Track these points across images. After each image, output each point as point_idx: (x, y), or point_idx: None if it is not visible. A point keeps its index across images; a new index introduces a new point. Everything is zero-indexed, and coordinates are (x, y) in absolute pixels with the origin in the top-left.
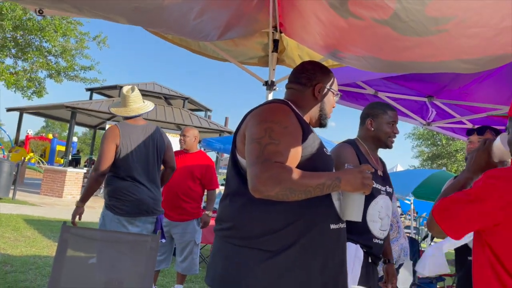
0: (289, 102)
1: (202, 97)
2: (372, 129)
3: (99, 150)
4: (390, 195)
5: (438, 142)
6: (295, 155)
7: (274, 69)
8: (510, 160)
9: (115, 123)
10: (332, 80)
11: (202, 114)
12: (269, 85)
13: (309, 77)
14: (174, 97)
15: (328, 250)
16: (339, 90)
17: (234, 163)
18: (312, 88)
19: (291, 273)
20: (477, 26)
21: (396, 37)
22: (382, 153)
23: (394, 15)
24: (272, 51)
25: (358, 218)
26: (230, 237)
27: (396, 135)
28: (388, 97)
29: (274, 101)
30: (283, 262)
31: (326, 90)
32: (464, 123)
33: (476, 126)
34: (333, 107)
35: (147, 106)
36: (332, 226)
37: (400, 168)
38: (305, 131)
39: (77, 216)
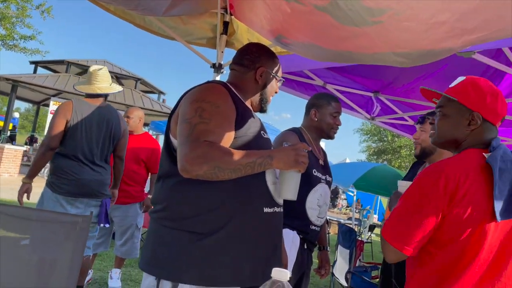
0: (229, 84)
1: (156, 80)
2: (316, 119)
3: (49, 124)
4: (329, 183)
5: (384, 138)
6: (227, 135)
7: (222, 52)
8: None
9: (63, 100)
10: (276, 65)
11: (155, 96)
12: (217, 68)
13: (252, 60)
14: (126, 77)
15: (260, 234)
16: (287, 79)
17: (167, 144)
18: (254, 71)
19: (220, 256)
20: (410, 20)
21: (336, 26)
22: (331, 145)
23: (334, 2)
24: (221, 33)
25: (293, 197)
26: (162, 219)
27: (339, 126)
28: (336, 89)
29: (210, 81)
30: (212, 245)
31: (268, 74)
32: (405, 120)
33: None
34: (276, 92)
35: (113, 88)
36: (266, 210)
37: (348, 161)
38: (243, 114)
39: (25, 195)
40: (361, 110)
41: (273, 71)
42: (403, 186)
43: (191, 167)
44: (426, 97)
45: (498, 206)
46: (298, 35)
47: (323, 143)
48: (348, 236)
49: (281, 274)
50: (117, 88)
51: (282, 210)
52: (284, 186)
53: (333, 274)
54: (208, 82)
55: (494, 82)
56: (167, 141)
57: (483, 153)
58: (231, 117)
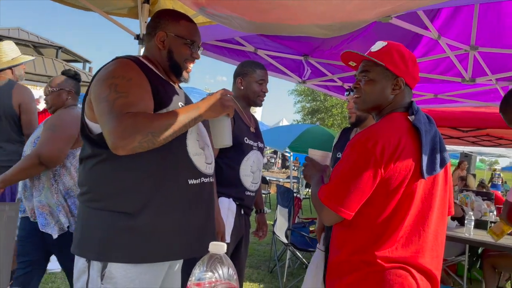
0: (140, 57)
1: (80, 48)
2: (242, 87)
3: None
4: (261, 150)
5: (317, 98)
6: (147, 105)
7: (146, 22)
8: (330, 156)
9: None
10: (182, 27)
11: (80, 65)
12: (141, 39)
13: (153, 26)
14: (45, 46)
15: (188, 206)
16: (219, 47)
17: (83, 127)
18: (156, 37)
19: (148, 233)
20: None
21: None
22: (269, 108)
23: None
24: (143, 2)
25: (229, 142)
26: (87, 201)
27: (265, 93)
28: (267, 55)
29: (117, 57)
30: (139, 222)
31: (171, 38)
32: (335, 81)
33: (348, 85)
34: (194, 57)
35: (15, 60)
36: (191, 182)
37: (285, 122)
38: (159, 88)
39: None
40: (293, 74)
41: (177, 34)
42: (313, 154)
43: (123, 142)
44: (343, 61)
45: (425, 164)
46: (220, 7)
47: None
48: (286, 196)
49: (218, 248)
50: (20, 59)
51: (211, 180)
52: (218, 134)
53: (274, 233)
54: (115, 58)
55: (415, 41)
56: (82, 123)
57: (408, 116)
58: (146, 87)
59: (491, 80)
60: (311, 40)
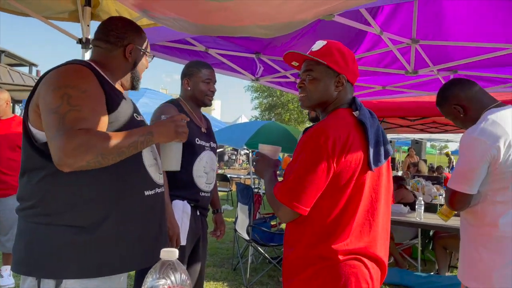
0: (93, 63)
1: (25, 51)
2: (189, 88)
3: None
4: (214, 150)
5: (274, 94)
6: (102, 119)
7: (88, 25)
8: (279, 151)
9: None
10: (144, 40)
11: (26, 69)
12: (84, 43)
13: (119, 36)
14: None
15: (144, 217)
16: (170, 47)
17: (27, 135)
18: (123, 48)
19: (104, 246)
20: None
21: (200, 2)
22: (227, 105)
23: None
24: (84, 5)
25: (177, 167)
26: (34, 216)
27: (213, 92)
28: (218, 53)
29: (70, 62)
30: (95, 236)
31: (138, 51)
32: (288, 77)
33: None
34: (146, 68)
35: None
36: (147, 193)
37: (244, 119)
38: (112, 96)
39: None
40: (246, 72)
41: (143, 47)
42: (263, 149)
43: (71, 160)
44: (286, 61)
45: (372, 157)
46: (163, 10)
47: (218, 102)
48: (246, 193)
49: (170, 254)
50: None
51: (163, 189)
52: (167, 158)
53: (235, 230)
54: (68, 63)
55: (361, 36)
56: (26, 130)
57: (353, 112)
58: (101, 100)
59: (433, 71)
60: (262, 39)
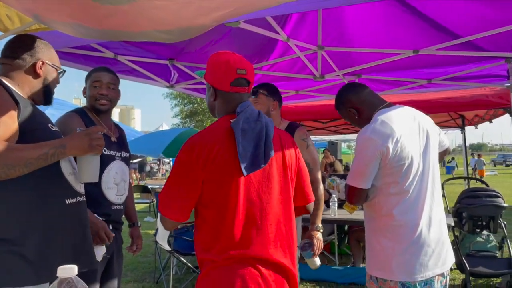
0: (2, 79)
1: None
2: (85, 95)
3: None
4: (126, 160)
5: (194, 101)
6: (10, 130)
7: None
8: None
9: None
10: (54, 55)
11: None
12: None
13: (28, 53)
14: None
15: (66, 226)
16: (74, 54)
17: None
18: (33, 64)
19: (22, 257)
20: None
21: (92, 5)
22: (146, 114)
23: None
24: None
25: (94, 179)
26: None
27: (104, 95)
28: (129, 60)
29: None
30: (21, 247)
31: (48, 66)
32: (204, 83)
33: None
34: (57, 83)
35: None
36: (68, 201)
37: (165, 127)
38: (25, 109)
39: None
40: (159, 79)
41: (53, 63)
42: None
43: None
44: None
45: (244, 162)
46: (55, 14)
47: (138, 111)
48: None
49: (67, 271)
50: None
51: (84, 198)
52: (83, 171)
53: (156, 242)
54: None
55: (272, 43)
56: None
57: (230, 119)
58: (11, 112)
59: (338, 75)
60: (175, 44)
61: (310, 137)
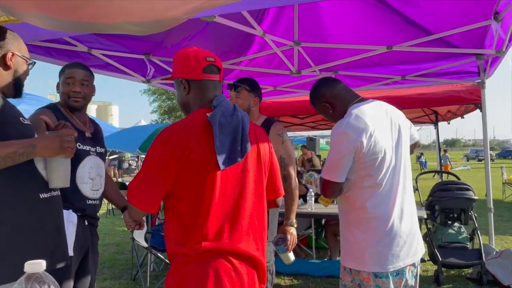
0: None
1: None
2: (59, 91)
3: None
4: (101, 155)
5: (172, 96)
6: None
7: None
8: None
9: None
10: (23, 46)
11: None
12: None
13: None
14: None
15: (40, 220)
16: (45, 48)
17: None
18: (2, 56)
19: (5, 253)
20: None
21: None
22: (124, 110)
23: None
24: None
25: (65, 184)
26: None
27: (78, 93)
28: (103, 54)
29: None
30: None
31: (17, 58)
32: None
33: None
34: (27, 75)
35: None
36: (42, 196)
37: (143, 123)
38: None
39: None
40: (135, 74)
41: (22, 54)
42: None
43: None
44: None
45: (221, 156)
46: (24, 5)
47: (116, 108)
48: None
49: (35, 266)
50: None
51: (59, 193)
52: (53, 174)
53: (133, 239)
54: None
55: (249, 39)
56: None
57: (207, 113)
58: None
59: (315, 71)
60: (151, 39)
61: (287, 133)
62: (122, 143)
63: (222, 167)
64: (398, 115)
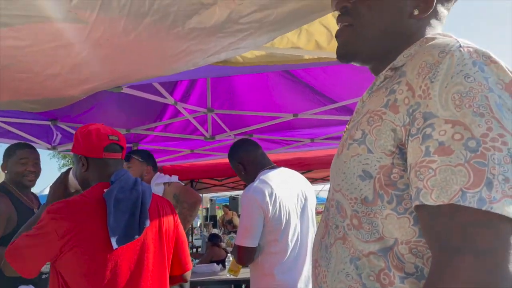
0: None
1: None
2: (6, 172)
3: None
4: None
5: None
6: None
7: None
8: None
9: None
10: None
11: None
12: None
13: None
14: None
15: None
16: None
17: None
18: None
19: None
20: (25, 72)
21: None
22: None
23: None
24: None
25: None
26: None
27: (32, 172)
28: (3, 122)
29: None
30: None
31: None
32: None
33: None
34: None
35: None
36: None
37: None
38: None
39: None
40: (40, 141)
41: None
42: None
43: None
44: None
45: (114, 235)
46: None
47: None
48: None
49: None
50: None
51: None
52: None
53: None
54: None
55: (165, 106)
56: None
57: (104, 189)
58: None
59: (230, 135)
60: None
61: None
62: None
63: (115, 245)
64: (303, 182)
